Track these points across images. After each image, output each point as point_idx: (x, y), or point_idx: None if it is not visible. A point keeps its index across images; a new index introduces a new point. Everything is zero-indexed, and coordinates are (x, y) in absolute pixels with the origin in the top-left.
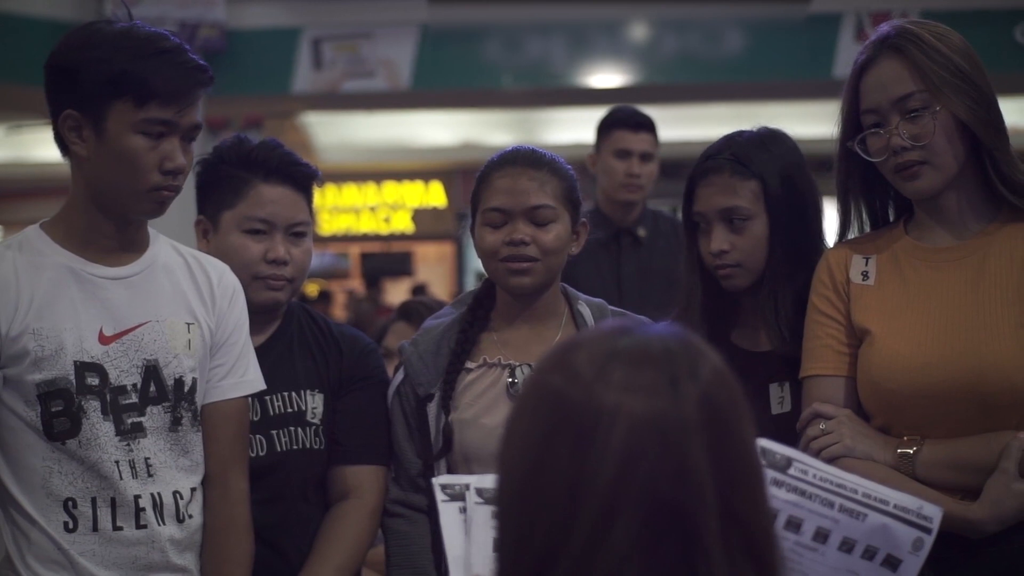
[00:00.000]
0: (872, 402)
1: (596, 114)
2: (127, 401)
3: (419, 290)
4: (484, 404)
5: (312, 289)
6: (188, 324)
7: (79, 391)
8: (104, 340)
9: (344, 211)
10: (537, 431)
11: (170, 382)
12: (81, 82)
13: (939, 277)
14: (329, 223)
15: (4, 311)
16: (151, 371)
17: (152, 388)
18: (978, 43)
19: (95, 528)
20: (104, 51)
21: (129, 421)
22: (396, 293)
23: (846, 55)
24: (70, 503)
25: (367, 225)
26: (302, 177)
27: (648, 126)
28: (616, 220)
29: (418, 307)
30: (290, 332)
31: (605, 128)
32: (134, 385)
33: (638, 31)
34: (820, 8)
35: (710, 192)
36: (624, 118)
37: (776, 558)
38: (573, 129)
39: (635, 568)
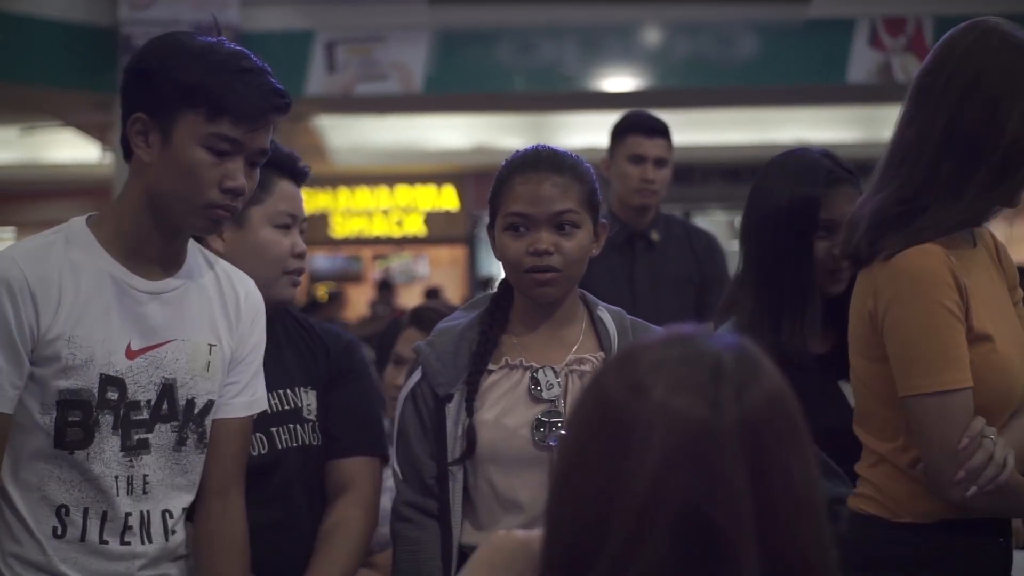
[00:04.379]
0: (993, 409)
1: (608, 118)
2: (138, 417)
3: (432, 293)
4: (506, 405)
5: (322, 292)
6: (211, 346)
7: (99, 405)
8: (130, 355)
9: (357, 214)
10: (581, 432)
11: (182, 402)
12: (157, 87)
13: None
14: (342, 226)
15: (46, 308)
16: (167, 389)
17: (165, 406)
18: None
19: (83, 539)
20: (185, 60)
21: (136, 437)
22: (409, 297)
23: (859, 60)
24: (63, 510)
25: (379, 228)
26: (304, 175)
27: (663, 131)
28: (629, 224)
29: (430, 313)
30: (277, 331)
31: (619, 133)
32: (148, 401)
33: (650, 35)
34: (834, 13)
35: (842, 200)
36: (639, 123)
37: None
38: (585, 133)
39: None
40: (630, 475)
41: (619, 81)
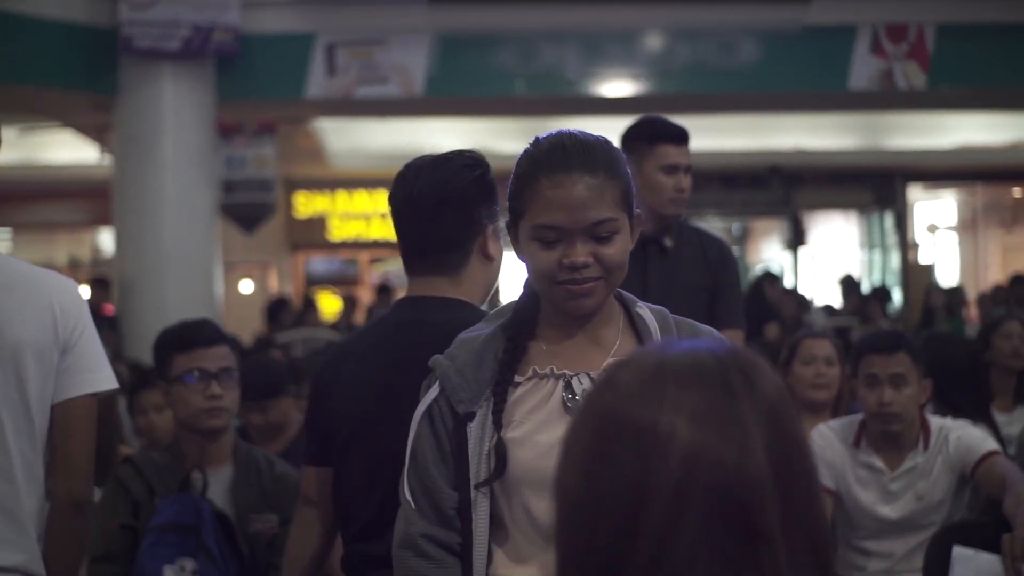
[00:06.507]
0: None
1: (609, 123)
2: None
3: None
4: (538, 420)
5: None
6: None
7: None
8: None
9: (355, 217)
10: (595, 446)
11: None
12: None
13: None
14: (340, 229)
15: None
16: None
17: None
18: (996, 56)
19: None
20: None
21: None
22: None
23: (861, 67)
24: None
25: (377, 232)
26: None
27: (688, 138)
28: (644, 230)
29: None
30: None
31: (648, 141)
32: None
33: (651, 40)
34: (835, 19)
35: None
36: (668, 132)
37: (833, 562)
38: None
39: (704, 568)
40: (658, 468)
41: (620, 86)
